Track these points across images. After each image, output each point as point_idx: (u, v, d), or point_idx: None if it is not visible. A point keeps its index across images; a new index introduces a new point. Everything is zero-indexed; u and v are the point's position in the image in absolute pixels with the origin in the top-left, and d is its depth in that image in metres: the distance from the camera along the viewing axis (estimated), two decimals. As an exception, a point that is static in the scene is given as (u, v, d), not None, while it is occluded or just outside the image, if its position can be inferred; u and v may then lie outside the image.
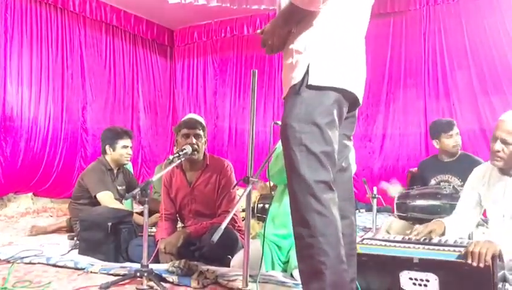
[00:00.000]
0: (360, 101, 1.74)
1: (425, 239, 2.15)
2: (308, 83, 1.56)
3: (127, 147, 3.68)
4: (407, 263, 1.95)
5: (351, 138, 1.87)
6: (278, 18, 1.68)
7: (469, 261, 1.83)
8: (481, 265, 1.80)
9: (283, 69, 1.72)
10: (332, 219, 1.54)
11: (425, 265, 1.92)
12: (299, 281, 2.37)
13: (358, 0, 1.71)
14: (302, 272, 1.61)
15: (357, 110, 1.82)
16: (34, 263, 2.81)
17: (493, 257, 1.82)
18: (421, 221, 2.57)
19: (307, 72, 1.56)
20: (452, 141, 3.52)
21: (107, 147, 3.66)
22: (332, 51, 1.60)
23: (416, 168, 4.10)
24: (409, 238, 2.17)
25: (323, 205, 1.53)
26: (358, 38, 1.73)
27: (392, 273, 1.98)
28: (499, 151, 2.29)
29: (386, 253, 2.02)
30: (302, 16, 1.59)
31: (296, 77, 1.59)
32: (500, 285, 1.86)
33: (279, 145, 2.49)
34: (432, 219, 2.45)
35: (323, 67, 1.57)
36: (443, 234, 2.33)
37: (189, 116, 3.18)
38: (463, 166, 3.35)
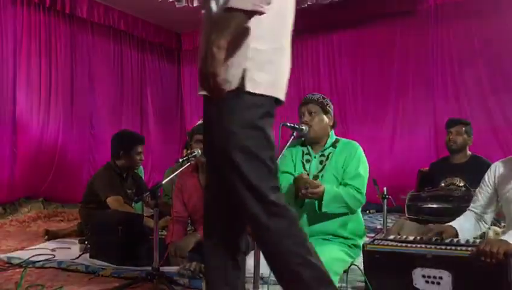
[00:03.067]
0: (283, 99, 1.65)
1: (436, 239, 2.14)
2: (246, 90, 1.45)
3: (141, 153, 3.73)
4: (421, 260, 1.93)
5: None
6: (215, 38, 1.37)
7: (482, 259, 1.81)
8: (494, 261, 1.78)
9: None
10: (291, 217, 1.51)
11: (438, 262, 1.90)
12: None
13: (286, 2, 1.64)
14: (280, 279, 1.54)
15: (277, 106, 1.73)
16: (46, 267, 2.83)
17: (506, 256, 1.80)
18: (433, 223, 2.54)
19: (242, 78, 1.46)
20: (447, 138, 3.62)
21: (121, 152, 3.66)
22: (268, 56, 1.51)
23: (426, 168, 4.07)
24: (420, 238, 2.15)
25: (279, 207, 1.47)
26: (288, 38, 1.66)
27: (404, 270, 1.97)
28: None
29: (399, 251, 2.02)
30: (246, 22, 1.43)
31: (233, 80, 1.46)
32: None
33: (285, 148, 2.48)
34: (443, 222, 2.43)
35: (260, 76, 1.48)
36: (455, 237, 2.31)
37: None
38: (472, 168, 3.33)
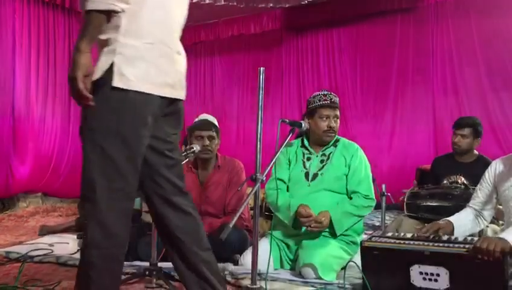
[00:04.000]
0: (180, 97, 1.65)
1: (434, 237, 2.14)
2: (113, 85, 1.43)
3: None
4: (418, 257, 1.93)
5: (177, 133, 1.76)
6: (76, 42, 1.42)
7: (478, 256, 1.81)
8: (491, 259, 1.79)
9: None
10: (114, 232, 1.47)
11: (436, 259, 1.90)
12: (308, 279, 2.38)
13: None
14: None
15: (179, 105, 1.69)
16: (44, 262, 2.83)
17: (503, 253, 1.80)
18: (432, 221, 2.54)
19: (110, 71, 1.43)
20: (453, 139, 3.47)
21: None
22: (140, 51, 1.48)
23: (425, 165, 4.05)
24: (418, 236, 2.15)
25: (107, 216, 1.45)
26: (171, 35, 1.62)
27: (402, 268, 1.97)
28: None
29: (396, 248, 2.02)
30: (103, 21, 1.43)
31: (97, 72, 1.44)
32: (511, 283, 1.84)
33: (283, 146, 2.48)
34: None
35: (129, 70, 1.45)
36: (452, 233, 2.31)
37: (203, 117, 3.15)
38: (477, 169, 3.27)
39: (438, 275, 1.90)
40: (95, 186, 1.44)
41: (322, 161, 2.77)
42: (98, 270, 1.45)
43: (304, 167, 2.78)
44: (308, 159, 2.80)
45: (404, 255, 1.98)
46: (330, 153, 2.78)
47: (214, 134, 3.04)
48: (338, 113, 2.79)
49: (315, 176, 2.72)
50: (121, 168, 1.47)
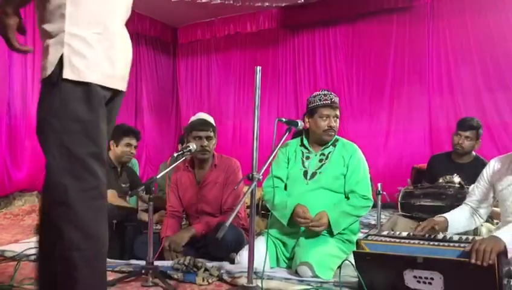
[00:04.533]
0: (124, 88, 1.59)
1: (429, 235, 2.14)
2: (64, 77, 1.38)
3: (131, 145, 3.67)
4: (411, 263, 1.93)
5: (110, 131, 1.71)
6: (4, 7, 1.43)
7: (473, 260, 1.80)
8: (485, 264, 1.78)
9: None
10: (93, 233, 1.42)
11: (429, 264, 1.90)
12: (304, 278, 2.38)
13: None
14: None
15: (120, 97, 1.64)
16: (40, 261, 2.82)
17: (498, 254, 1.81)
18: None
19: (60, 63, 1.38)
20: (456, 139, 3.46)
21: (111, 142, 3.66)
22: (87, 41, 1.42)
23: (420, 165, 4.06)
24: (413, 235, 2.16)
25: (83, 217, 1.39)
26: (119, 23, 1.56)
27: (396, 271, 1.97)
28: None
29: (391, 251, 2.01)
30: None
31: (49, 67, 1.40)
32: (505, 281, 1.85)
33: (279, 146, 2.48)
34: None
35: (78, 61, 1.40)
36: (446, 229, 2.33)
37: (199, 116, 3.14)
38: (474, 169, 3.28)
39: (432, 278, 1.90)
40: (66, 189, 1.37)
41: (320, 160, 2.79)
42: (82, 272, 1.41)
43: (303, 165, 2.80)
44: (307, 158, 2.82)
45: (397, 261, 1.97)
46: (329, 153, 2.80)
47: (212, 134, 3.05)
48: (338, 113, 2.83)
49: (313, 174, 2.74)
50: (89, 166, 1.41)
